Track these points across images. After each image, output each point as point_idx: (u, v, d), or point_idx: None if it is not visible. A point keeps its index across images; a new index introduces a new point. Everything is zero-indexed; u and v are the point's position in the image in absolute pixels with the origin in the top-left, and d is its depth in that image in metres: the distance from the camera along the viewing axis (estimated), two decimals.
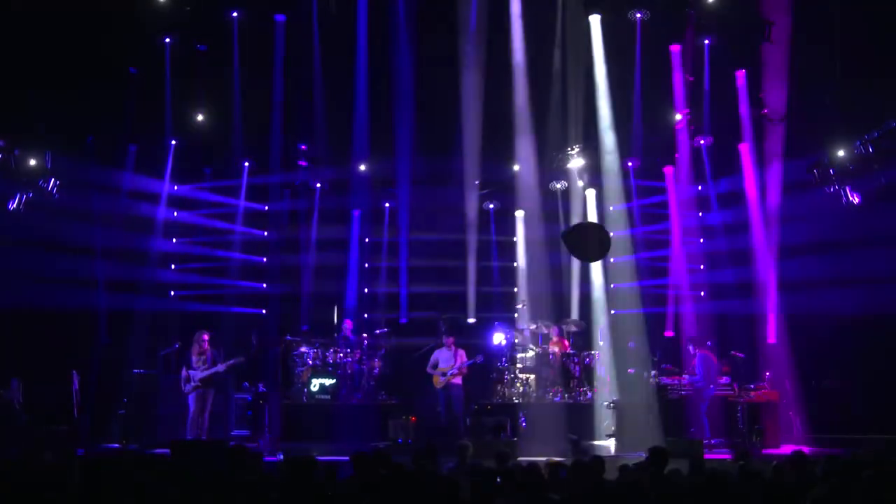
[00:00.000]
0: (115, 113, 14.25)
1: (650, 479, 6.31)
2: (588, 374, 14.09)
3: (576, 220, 16.15)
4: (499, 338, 14.81)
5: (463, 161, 15.21)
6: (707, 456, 10.02)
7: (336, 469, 6.72)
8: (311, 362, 14.52)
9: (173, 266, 15.87)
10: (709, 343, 13.19)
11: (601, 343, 14.71)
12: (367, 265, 17.03)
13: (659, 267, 15.94)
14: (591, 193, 16.33)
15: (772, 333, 14.03)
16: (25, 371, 12.72)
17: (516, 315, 15.83)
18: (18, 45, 12.51)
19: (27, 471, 6.20)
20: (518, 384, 13.99)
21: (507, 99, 14.84)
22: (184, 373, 12.27)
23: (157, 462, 7.84)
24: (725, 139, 14.86)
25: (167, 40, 14.42)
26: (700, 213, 15.81)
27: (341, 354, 14.52)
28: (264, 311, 16.24)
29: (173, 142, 15.31)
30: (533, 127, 15.22)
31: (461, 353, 13.55)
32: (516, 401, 13.69)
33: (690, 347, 13.01)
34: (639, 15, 14.38)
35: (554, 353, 14.30)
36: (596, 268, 15.68)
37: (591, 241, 12.61)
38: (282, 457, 10.45)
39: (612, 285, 15.89)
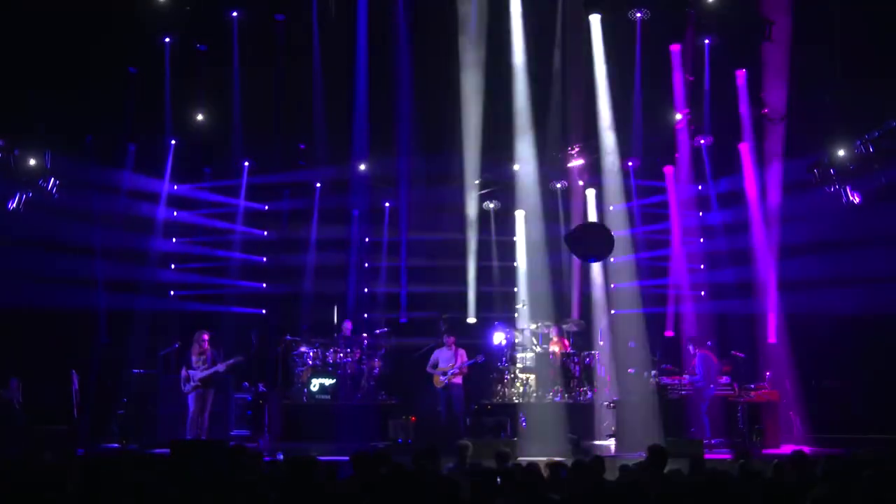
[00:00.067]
0: (114, 112, 14.27)
1: (650, 479, 6.30)
2: (588, 373, 14.08)
3: (576, 219, 16.16)
4: (499, 338, 14.81)
5: (463, 161, 15.20)
6: (707, 456, 10.00)
7: (336, 469, 6.71)
8: (311, 362, 14.52)
9: (173, 266, 15.87)
10: (709, 343, 13.18)
11: (601, 343, 14.70)
12: (366, 265, 17.02)
13: (659, 267, 15.93)
14: (590, 193, 16.33)
15: (772, 333, 14.02)
16: (25, 371, 12.71)
17: (516, 315, 15.82)
18: (18, 44, 12.50)
19: (27, 471, 6.19)
20: (518, 384, 13.98)
21: (507, 99, 14.83)
22: (183, 373, 12.27)
23: (156, 462, 7.84)
24: (725, 139, 14.85)
25: (167, 40, 14.42)
26: (700, 213, 15.81)
27: (341, 354, 14.52)
28: (264, 311, 16.24)
29: (173, 141, 15.30)
30: (533, 127, 15.22)
31: (461, 352, 13.54)
32: (516, 401, 13.68)
33: (690, 347, 13.01)
34: (639, 14, 14.36)
35: (554, 353, 14.29)
36: (596, 268, 15.68)
37: (594, 241, 12.60)
38: (282, 457, 10.42)
39: (612, 285, 15.88)
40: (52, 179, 12.64)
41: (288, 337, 14.92)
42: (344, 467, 6.92)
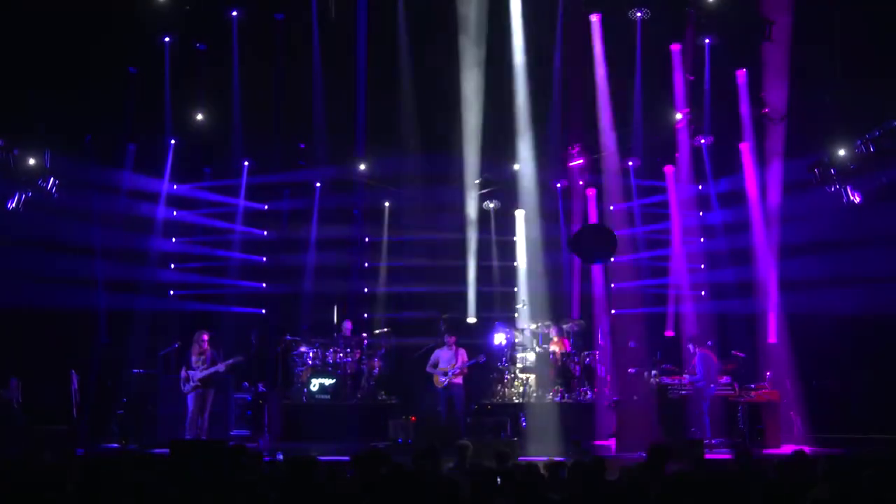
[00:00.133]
0: (114, 112, 14.25)
1: (650, 478, 6.29)
2: (588, 373, 14.07)
3: (576, 219, 16.17)
4: (499, 338, 14.80)
5: (463, 160, 15.20)
6: (707, 456, 10.00)
7: (336, 469, 6.70)
8: (310, 362, 14.50)
9: (173, 266, 15.86)
10: (709, 343, 13.17)
11: (601, 343, 14.69)
12: (366, 265, 17.02)
13: (659, 266, 15.93)
14: (591, 193, 16.34)
15: (772, 333, 14.00)
16: (25, 371, 12.70)
17: (516, 315, 15.81)
18: (18, 44, 12.49)
19: (27, 471, 6.18)
20: (518, 384, 13.97)
21: (508, 99, 14.83)
22: (183, 373, 12.27)
23: (156, 462, 7.83)
24: (726, 138, 14.85)
25: (167, 39, 14.41)
26: (700, 213, 15.81)
27: (341, 354, 14.50)
28: (264, 311, 16.23)
29: (173, 141, 15.29)
30: (533, 127, 15.22)
31: (462, 352, 13.53)
32: (516, 401, 13.67)
33: (690, 346, 13.00)
34: (639, 14, 14.36)
35: (554, 353, 14.28)
36: (596, 268, 15.67)
37: (597, 243, 12.58)
38: (281, 457, 10.42)
39: (612, 285, 15.88)
40: (52, 179, 12.62)
41: (288, 337, 14.91)
42: (344, 467, 6.91)
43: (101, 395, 13.60)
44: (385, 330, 15.62)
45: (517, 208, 16.69)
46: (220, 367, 12.19)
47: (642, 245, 15.93)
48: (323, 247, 16.63)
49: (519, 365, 14.25)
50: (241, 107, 15.14)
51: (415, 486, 5.55)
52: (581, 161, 16.02)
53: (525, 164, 15.50)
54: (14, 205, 12.41)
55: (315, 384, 14.22)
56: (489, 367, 14.15)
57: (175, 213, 15.81)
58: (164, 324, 14.90)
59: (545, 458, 8.29)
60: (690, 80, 14.73)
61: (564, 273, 16.30)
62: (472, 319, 16.16)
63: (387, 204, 17.07)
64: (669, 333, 15.33)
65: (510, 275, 16.89)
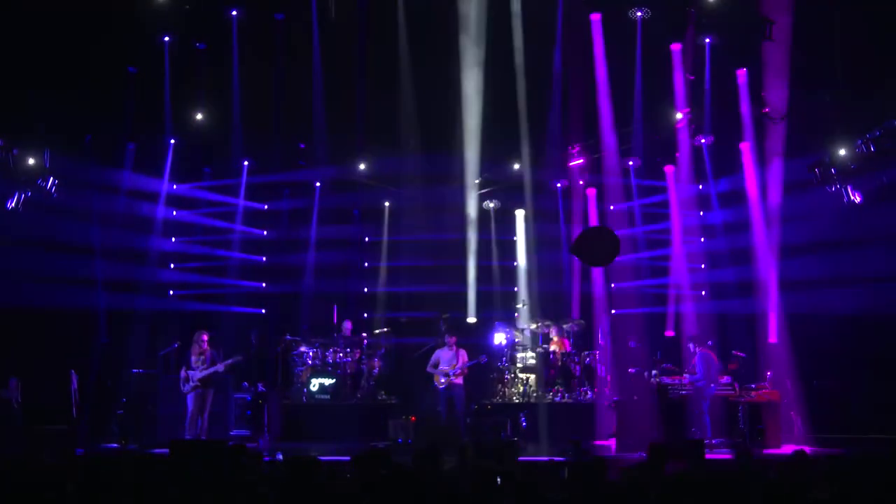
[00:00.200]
0: (114, 112, 14.23)
1: (650, 479, 6.28)
2: (588, 373, 14.06)
3: (576, 219, 16.16)
4: (499, 338, 14.80)
5: (463, 160, 15.19)
6: (708, 456, 9.98)
7: (336, 469, 6.69)
8: (310, 362, 14.50)
9: (172, 265, 15.85)
10: (709, 342, 13.16)
11: (601, 343, 14.68)
12: (366, 265, 17.01)
13: (660, 266, 15.92)
14: (591, 193, 16.34)
15: (773, 333, 13.99)
16: (24, 370, 12.69)
17: (516, 315, 15.81)
18: (18, 44, 12.48)
19: (27, 471, 6.17)
20: (518, 384, 13.97)
21: (508, 99, 14.82)
22: (182, 373, 12.26)
23: (156, 462, 7.82)
24: (726, 138, 14.84)
25: (166, 39, 14.39)
26: (701, 213, 15.81)
27: (341, 354, 14.49)
28: (264, 311, 16.23)
29: (172, 141, 15.28)
30: (533, 127, 15.22)
31: (463, 353, 13.51)
32: (516, 401, 13.67)
33: (691, 346, 12.99)
34: (639, 13, 14.36)
35: (554, 353, 14.28)
36: (597, 268, 15.65)
37: (600, 247, 12.54)
38: (281, 457, 10.41)
39: (612, 285, 15.88)
40: (52, 179, 12.61)
41: (288, 337, 14.90)
42: (344, 467, 6.90)
43: (101, 395, 13.58)
44: (385, 330, 15.62)
45: (517, 208, 16.70)
46: (220, 367, 12.18)
47: (642, 245, 15.93)
48: (323, 247, 16.62)
49: (519, 365, 14.24)
50: (241, 107, 15.13)
51: (415, 486, 5.54)
52: (581, 161, 16.02)
53: (525, 164, 15.49)
54: (14, 204, 12.40)
55: (315, 384, 14.22)
56: (489, 367, 14.15)
57: (175, 212, 15.81)
58: (164, 324, 14.90)
59: (545, 458, 8.29)
60: (691, 80, 14.72)
61: (564, 273, 16.30)
62: (472, 319, 16.16)
63: (387, 204, 17.07)
64: (670, 333, 15.32)
65: (510, 275, 16.89)
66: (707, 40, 14.40)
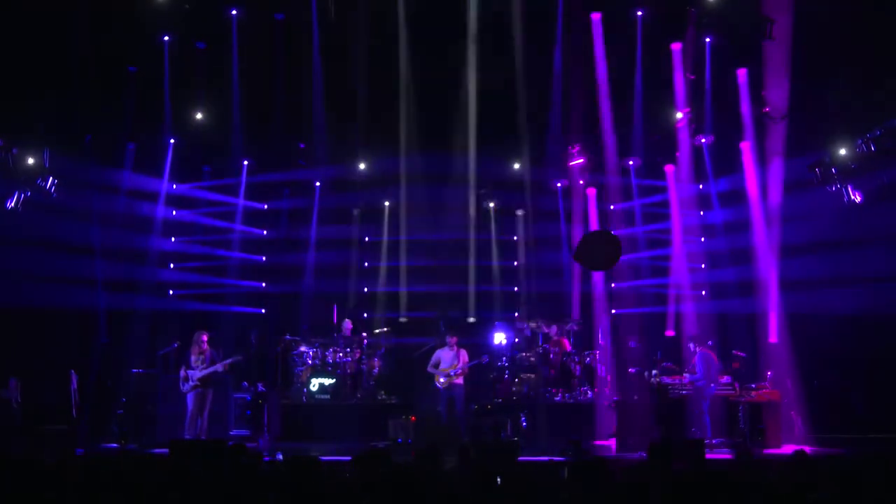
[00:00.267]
0: (114, 112, 14.22)
1: (651, 478, 6.27)
2: (588, 373, 14.06)
3: (576, 219, 16.16)
4: (499, 337, 14.80)
5: (463, 160, 15.18)
6: (708, 456, 9.97)
7: (336, 469, 6.68)
8: (310, 362, 14.49)
9: (172, 265, 15.84)
10: (710, 342, 13.15)
11: (601, 343, 14.67)
12: (366, 264, 17.00)
13: (660, 266, 15.91)
14: (591, 193, 16.34)
15: (773, 333, 13.98)
16: (24, 370, 12.68)
17: (516, 315, 15.79)
18: (17, 43, 12.47)
19: (27, 471, 6.16)
20: (518, 384, 13.95)
21: (508, 98, 14.81)
22: (182, 372, 12.25)
23: (156, 462, 7.81)
24: (727, 137, 14.82)
25: (166, 38, 14.37)
26: (701, 212, 15.79)
27: (341, 354, 14.49)
28: (264, 311, 16.22)
29: (172, 140, 15.27)
30: (533, 127, 15.21)
31: (463, 353, 13.49)
32: (516, 400, 13.65)
33: (691, 345, 12.98)
34: (640, 13, 14.34)
35: (554, 353, 14.27)
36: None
37: (601, 250, 12.49)
38: (281, 457, 10.40)
39: (612, 285, 15.86)
40: (51, 179, 12.60)
41: (287, 336, 14.89)
42: (344, 467, 6.89)
43: (101, 395, 13.57)
44: (385, 329, 15.61)
45: (517, 208, 16.69)
46: (219, 366, 12.18)
47: (643, 245, 15.91)
48: (323, 246, 16.61)
49: (519, 365, 14.23)
50: (241, 106, 15.12)
51: (415, 486, 5.53)
52: (581, 161, 16.00)
53: (525, 164, 15.47)
54: (13, 204, 12.39)
55: (315, 384, 14.21)
56: (489, 367, 14.14)
57: (174, 212, 15.80)
58: (164, 324, 14.88)
59: (545, 458, 8.28)
60: (691, 79, 14.70)
61: (564, 273, 16.28)
62: (471, 319, 16.15)
63: (387, 204, 17.05)
64: (670, 333, 15.31)
65: (510, 275, 16.88)
66: (707, 40, 14.38)
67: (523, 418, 12.92)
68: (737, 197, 14.92)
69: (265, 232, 16.74)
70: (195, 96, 15.06)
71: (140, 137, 14.94)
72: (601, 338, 14.72)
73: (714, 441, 12.00)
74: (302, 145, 16.11)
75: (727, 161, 14.98)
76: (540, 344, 14.50)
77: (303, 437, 13.10)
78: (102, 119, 14.14)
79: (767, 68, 13.86)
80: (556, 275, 16.18)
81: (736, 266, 14.84)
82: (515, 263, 16.90)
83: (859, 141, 12.36)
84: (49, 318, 13.26)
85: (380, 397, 14.45)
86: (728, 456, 10.50)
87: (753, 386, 12.76)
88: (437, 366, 13.46)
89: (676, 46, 14.61)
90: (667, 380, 12.78)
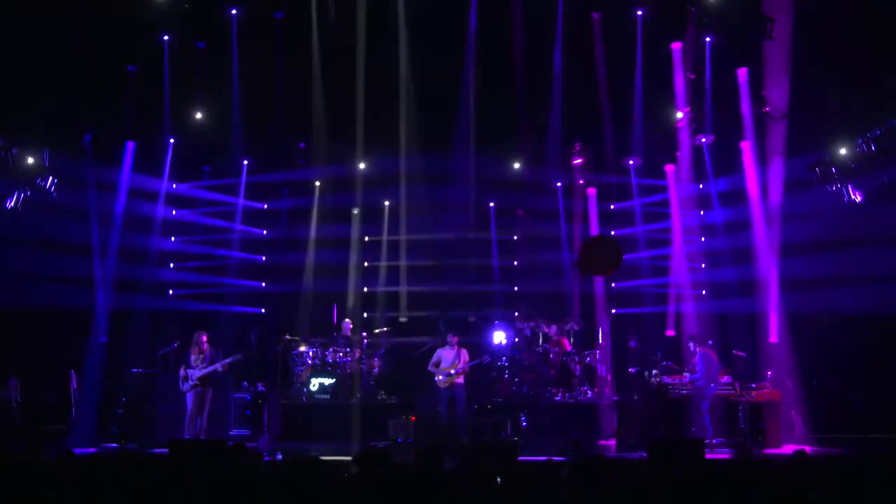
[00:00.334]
0: (114, 111, 14.21)
1: (651, 478, 6.26)
2: (589, 373, 14.05)
3: (577, 218, 16.16)
4: (499, 337, 14.79)
5: (463, 159, 15.17)
6: (708, 456, 9.97)
7: (336, 469, 6.68)
8: (310, 362, 14.49)
9: (172, 265, 15.83)
10: (710, 342, 13.15)
11: (602, 343, 14.67)
12: (366, 264, 16.99)
13: (660, 266, 15.90)
14: (591, 192, 16.34)
15: (773, 332, 13.96)
16: (23, 370, 12.67)
17: (516, 314, 15.79)
18: (18, 43, 12.47)
19: (26, 471, 6.15)
20: (518, 384, 13.94)
21: (508, 98, 14.80)
22: (182, 372, 12.25)
23: (155, 462, 7.80)
24: (727, 137, 14.82)
25: (166, 38, 14.36)
26: (701, 212, 15.79)
27: (341, 354, 14.48)
28: (263, 311, 16.21)
29: (172, 140, 15.27)
30: (533, 126, 15.20)
31: (464, 352, 13.47)
32: (516, 401, 13.64)
33: (691, 345, 12.97)
34: (640, 12, 14.34)
35: (554, 353, 14.27)
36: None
37: (603, 256, 12.49)
38: (281, 457, 10.40)
39: (612, 285, 15.85)
40: (51, 178, 12.59)
41: (287, 336, 14.88)
42: (344, 467, 6.89)
43: (101, 395, 13.56)
44: (384, 329, 15.60)
45: (517, 207, 16.69)
46: (218, 365, 12.18)
47: (643, 244, 15.91)
48: (322, 246, 16.60)
49: (519, 365, 14.22)
50: (241, 106, 15.12)
51: (415, 485, 5.53)
52: (582, 160, 15.99)
53: (524, 164, 15.46)
54: (13, 204, 12.38)
55: (315, 384, 14.21)
56: (489, 366, 14.14)
57: (174, 212, 15.80)
58: (164, 323, 14.87)
59: (545, 458, 8.26)
60: (691, 79, 14.69)
61: (565, 273, 16.27)
62: (471, 319, 16.15)
63: (387, 203, 17.05)
64: (670, 333, 15.31)
65: (510, 275, 16.87)
66: (707, 39, 14.38)
67: (523, 418, 12.91)
68: (737, 197, 14.91)
69: (265, 232, 16.73)
70: (195, 96, 15.06)
71: (140, 137, 14.92)
72: (601, 338, 14.72)
73: (714, 441, 11.99)
74: (302, 145, 16.10)
75: (727, 161, 14.97)
76: (540, 344, 14.49)
77: (303, 437, 13.09)
78: (103, 119, 14.12)
79: (767, 68, 13.85)
80: (557, 275, 16.17)
81: (736, 266, 14.83)
82: (515, 263, 16.89)
83: (860, 140, 12.35)
84: (49, 318, 13.25)
85: (380, 397, 14.45)
86: (728, 456, 10.48)
87: (753, 386, 12.75)
88: (437, 365, 13.44)
89: (676, 46, 14.60)
90: (667, 379, 12.77)
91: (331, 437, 12.62)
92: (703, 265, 15.78)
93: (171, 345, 13.78)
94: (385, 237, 17.06)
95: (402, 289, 16.72)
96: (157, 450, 11.21)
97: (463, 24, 14.66)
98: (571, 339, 14.75)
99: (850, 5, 12.87)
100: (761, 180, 14.36)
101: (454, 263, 16.24)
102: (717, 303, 15.04)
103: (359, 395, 14.27)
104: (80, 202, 13.84)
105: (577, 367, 14.04)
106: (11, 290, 12.57)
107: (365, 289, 16.82)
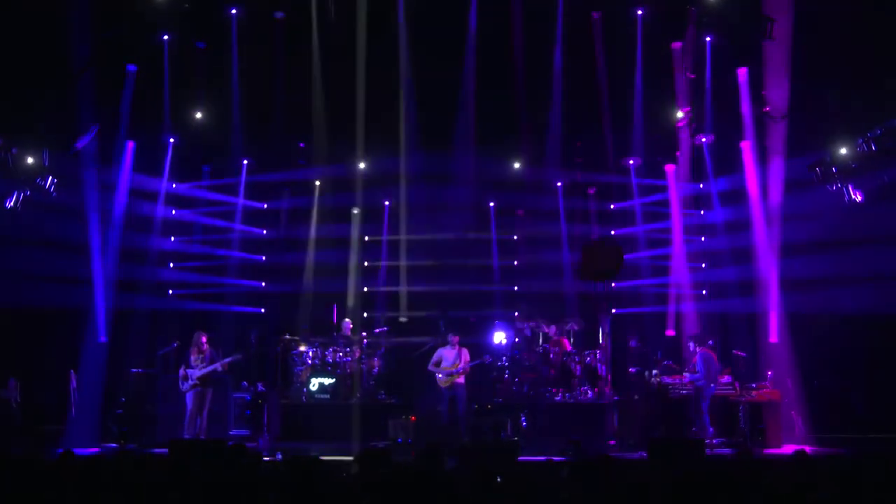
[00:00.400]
0: (113, 110, 14.20)
1: (651, 478, 6.26)
2: (589, 373, 14.04)
3: (577, 218, 16.16)
4: (499, 337, 14.78)
5: (463, 159, 15.16)
6: (708, 455, 9.98)
7: (336, 469, 6.68)
8: (310, 362, 14.48)
9: (171, 265, 15.83)
10: (710, 342, 13.15)
11: (602, 343, 14.66)
12: (366, 264, 16.99)
13: (660, 265, 15.90)
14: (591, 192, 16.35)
15: (773, 332, 13.96)
16: (23, 370, 12.67)
17: (516, 314, 15.79)
18: (18, 43, 12.46)
19: (26, 471, 6.15)
20: (518, 384, 13.94)
21: (508, 98, 14.80)
22: (182, 371, 12.26)
23: (155, 462, 7.80)
24: (727, 137, 14.81)
25: (166, 37, 14.36)
26: (701, 212, 15.79)
27: (340, 354, 14.47)
28: (263, 310, 16.21)
29: (172, 140, 15.26)
30: (533, 126, 15.20)
31: (465, 352, 13.46)
32: (516, 401, 13.64)
33: (691, 345, 12.98)
34: (640, 12, 14.34)
35: (555, 353, 14.26)
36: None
37: (602, 261, 12.46)
38: (281, 457, 10.40)
39: (612, 284, 15.83)
40: (51, 178, 12.59)
41: (287, 336, 14.88)
42: (344, 467, 6.88)
43: (100, 395, 13.56)
44: (384, 329, 15.59)
45: (518, 207, 16.68)
46: (218, 365, 12.18)
47: (643, 244, 15.90)
48: (322, 246, 16.60)
49: (519, 365, 14.22)
50: (241, 105, 15.11)
51: (415, 485, 5.52)
52: (581, 160, 15.99)
53: (524, 164, 15.45)
54: (13, 204, 12.38)
55: (314, 384, 14.20)
56: (489, 366, 14.13)
57: (174, 211, 15.78)
58: (164, 323, 14.87)
59: (545, 458, 8.26)
60: (691, 79, 14.69)
61: (565, 273, 16.27)
62: (470, 319, 16.14)
63: (387, 203, 17.05)
64: (670, 333, 15.31)
65: (510, 274, 16.86)
66: (708, 39, 14.37)
67: (523, 418, 12.91)
68: (737, 196, 14.90)
69: (265, 231, 16.72)
70: (195, 96, 15.05)
71: (140, 136, 14.92)
72: (601, 338, 14.71)
73: (714, 441, 11.99)
74: (302, 144, 16.10)
75: (727, 160, 14.97)
76: (540, 344, 14.48)
77: (303, 437, 13.09)
78: (102, 118, 14.11)
79: (767, 68, 13.85)
80: (556, 275, 16.17)
81: (736, 265, 14.82)
82: (515, 263, 16.89)
83: (860, 140, 12.34)
84: (48, 318, 13.25)
85: (380, 397, 14.44)
86: (728, 456, 10.48)
87: (754, 386, 12.76)
88: (438, 364, 13.44)
89: (676, 46, 14.61)
90: (667, 379, 12.77)
91: (331, 437, 12.61)
92: (704, 265, 15.78)
93: (171, 345, 13.79)
94: (385, 237, 17.05)
95: (402, 289, 16.71)
96: (157, 450, 11.22)
97: (463, 24, 14.66)
98: (571, 339, 14.73)
99: (850, 5, 12.87)
100: (761, 180, 14.36)
101: (454, 263, 16.23)
102: (717, 303, 15.04)
103: (359, 395, 14.26)
104: (80, 202, 13.82)
105: (577, 367, 14.04)
106: (11, 290, 12.57)
107: (365, 289, 16.81)
